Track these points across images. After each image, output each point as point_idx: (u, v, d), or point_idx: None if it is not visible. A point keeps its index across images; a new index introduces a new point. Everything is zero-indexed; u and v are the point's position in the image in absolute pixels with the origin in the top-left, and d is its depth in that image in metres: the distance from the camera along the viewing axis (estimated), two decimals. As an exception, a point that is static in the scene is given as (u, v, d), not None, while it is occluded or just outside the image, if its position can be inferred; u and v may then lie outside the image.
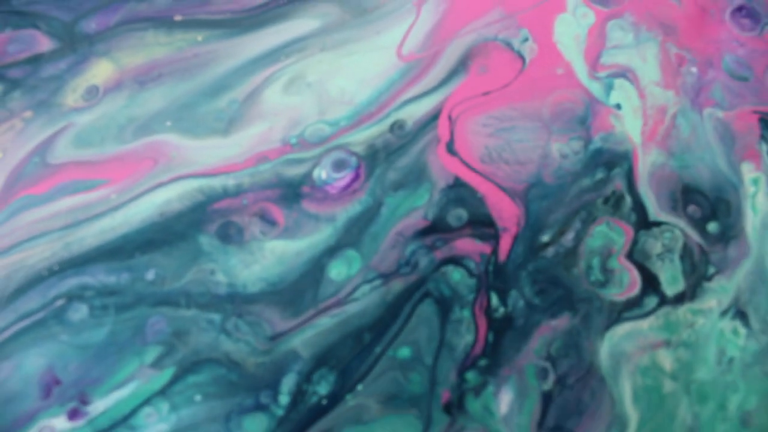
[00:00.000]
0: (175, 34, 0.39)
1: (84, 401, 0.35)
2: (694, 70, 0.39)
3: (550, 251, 0.37)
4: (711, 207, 0.38)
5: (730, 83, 0.39)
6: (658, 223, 0.37)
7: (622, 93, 0.39)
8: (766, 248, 0.37)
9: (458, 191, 0.37)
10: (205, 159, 0.38)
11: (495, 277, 0.37)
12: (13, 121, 0.38)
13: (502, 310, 0.36)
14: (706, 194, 0.38)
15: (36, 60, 0.39)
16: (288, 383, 0.35)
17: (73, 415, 0.35)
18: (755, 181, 0.38)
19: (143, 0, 0.39)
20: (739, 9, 0.40)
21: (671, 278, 0.37)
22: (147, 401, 0.35)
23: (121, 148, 0.38)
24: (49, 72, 0.39)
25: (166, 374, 0.35)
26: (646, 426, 0.35)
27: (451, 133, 0.38)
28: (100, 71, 0.39)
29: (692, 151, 0.38)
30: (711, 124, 0.38)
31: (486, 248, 0.37)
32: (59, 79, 0.39)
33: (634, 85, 0.39)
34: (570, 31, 0.39)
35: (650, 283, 0.37)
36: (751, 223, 0.37)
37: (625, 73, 0.39)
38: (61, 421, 0.34)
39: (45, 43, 0.39)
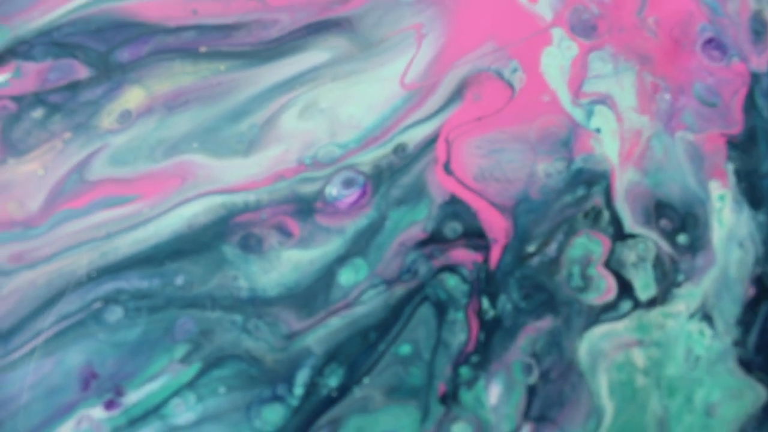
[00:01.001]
0: (200, 64, 0.40)
1: (119, 393, 0.36)
2: (667, 96, 0.40)
3: (535, 260, 0.39)
4: (681, 221, 0.39)
5: (700, 109, 0.40)
6: (633, 235, 0.39)
7: (602, 118, 0.40)
8: (731, 258, 0.39)
9: (454, 207, 0.39)
10: (228, 177, 0.39)
11: (486, 283, 0.38)
12: (54, 141, 0.39)
13: (492, 312, 0.38)
14: (677, 209, 0.39)
15: (74, 86, 0.40)
16: (302, 377, 0.37)
17: (109, 405, 0.36)
18: (722, 198, 0.39)
19: (171, 33, 0.40)
20: (709, 41, 0.41)
21: (644, 285, 0.38)
22: (176, 393, 0.36)
23: (152, 166, 0.39)
24: (87, 97, 0.40)
25: (194, 369, 0.37)
26: (620, 417, 0.37)
27: (448, 155, 0.39)
28: (133, 97, 0.40)
29: (665, 171, 0.40)
30: (682, 146, 0.40)
31: (478, 257, 0.38)
32: (95, 104, 0.40)
33: (613, 110, 0.40)
34: (555, 62, 0.41)
35: (625, 288, 0.38)
36: (717, 235, 0.39)
37: (604, 100, 0.40)
38: (98, 411, 0.36)
39: (82, 71, 0.40)
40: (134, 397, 0.36)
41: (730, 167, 0.40)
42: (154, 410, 0.36)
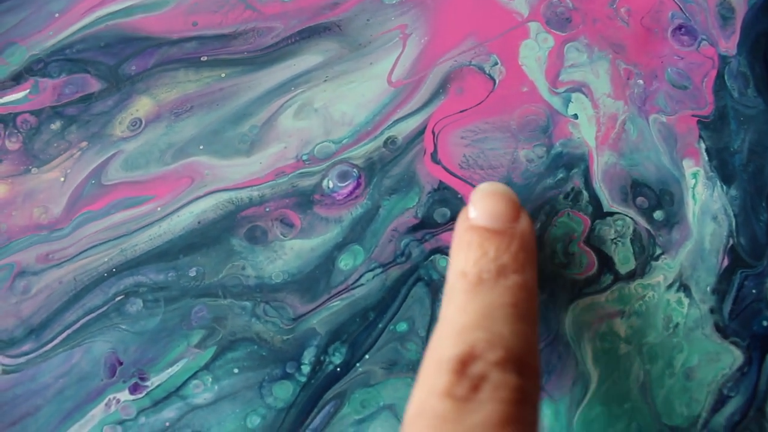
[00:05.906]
0: (202, 72, 0.42)
1: (143, 377, 0.39)
2: (640, 82, 0.42)
3: (520, 240, 0.40)
4: (657, 198, 0.41)
5: (672, 92, 0.42)
6: (611, 213, 0.41)
7: (579, 105, 0.42)
8: (705, 231, 0.41)
9: (442, 193, 0.41)
10: (233, 175, 0.41)
11: (475, 263, 0.39)
12: (72, 150, 0.42)
13: (481, 289, 0.39)
14: (653, 187, 0.41)
15: (88, 99, 0.42)
16: (308, 355, 0.39)
17: (134, 389, 0.39)
18: (695, 175, 0.41)
19: (174, 44, 0.43)
20: (679, 27, 0.43)
21: (623, 259, 0.40)
22: (194, 375, 0.39)
23: (163, 169, 0.41)
24: (99, 108, 0.42)
25: (209, 353, 0.39)
26: (605, 382, 0.39)
27: (435, 145, 0.41)
28: (142, 106, 0.42)
29: (640, 151, 0.41)
30: (656, 127, 0.42)
31: (466, 239, 0.39)
32: (108, 114, 0.42)
33: (589, 97, 0.42)
34: (533, 54, 0.43)
35: (606, 263, 0.40)
36: (691, 210, 0.41)
37: (580, 88, 0.42)
38: (125, 395, 0.39)
39: (94, 85, 0.42)
40: (156, 380, 0.39)
41: (702, 146, 0.41)
42: (174, 391, 0.39)
